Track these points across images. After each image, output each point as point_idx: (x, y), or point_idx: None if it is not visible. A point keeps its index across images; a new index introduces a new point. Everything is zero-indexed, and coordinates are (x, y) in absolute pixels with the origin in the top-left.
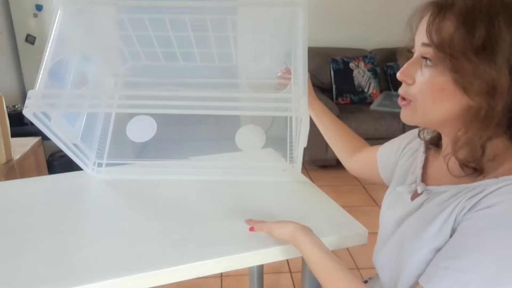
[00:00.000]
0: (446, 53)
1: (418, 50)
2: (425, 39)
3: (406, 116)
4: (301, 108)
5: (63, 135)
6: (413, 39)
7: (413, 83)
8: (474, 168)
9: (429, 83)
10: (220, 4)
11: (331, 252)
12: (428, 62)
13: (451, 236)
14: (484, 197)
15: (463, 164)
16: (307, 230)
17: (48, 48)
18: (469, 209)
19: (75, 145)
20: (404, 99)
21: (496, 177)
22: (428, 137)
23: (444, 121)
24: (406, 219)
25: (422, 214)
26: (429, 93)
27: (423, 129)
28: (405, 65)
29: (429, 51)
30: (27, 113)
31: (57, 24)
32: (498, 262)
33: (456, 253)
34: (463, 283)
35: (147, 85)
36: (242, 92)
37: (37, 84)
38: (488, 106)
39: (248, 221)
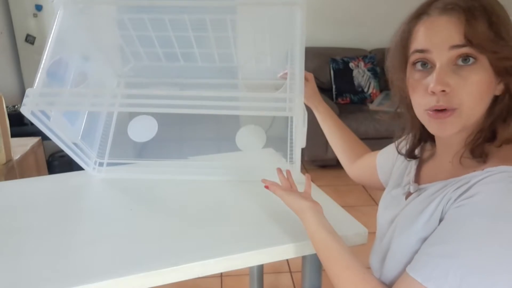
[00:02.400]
0: (488, 48)
1: (445, 54)
2: (457, 41)
3: (450, 127)
4: (296, 107)
5: (63, 134)
6: (420, 44)
7: (452, 90)
8: (480, 155)
9: (477, 82)
10: (220, 3)
11: (337, 234)
12: (464, 61)
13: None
14: (468, 188)
15: (472, 150)
16: (317, 209)
17: (48, 48)
18: (455, 200)
19: (75, 144)
20: (442, 110)
21: (482, 169)
22: (404, 149)
23: (478, 119)
24: (397, 216)
25: (411, 209)
26: (477, 92)
27: (400, 142)
28: (437, 74)
29: (465, 51)
30: (25, 111)
31: (57, 24)
32: (478, 249)
33: (439, 239)
34: (444, 268)
35: (149, 86)
36: (240, 91)
37: (36, 83)
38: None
39: (264, 180)
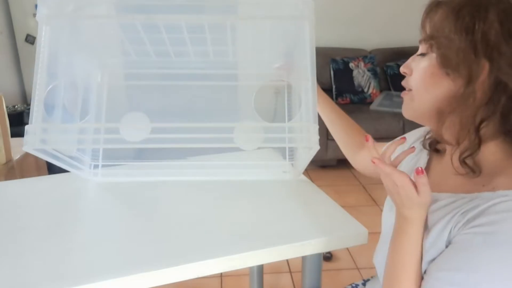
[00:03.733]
0: (434, 39)
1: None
2: (420, 36)
3: (404, 106)
4: (313, 137)
5: (61, 154)
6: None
7: (411, 74)
8: (472, 168)
9: (421, 70)
10: (220, 18)
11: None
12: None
13: (446, 247)
14: (480, 213)
15: (462, 160)
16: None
17: (39, 73)
18: (464, 224)
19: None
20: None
21: (493, 190)
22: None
23: (435, 110)
24: None
25: None
26: (421, 79)
27: (426, 136)
28: (408, 59)
29: (423, 47)
30: (28, 149)
31: (44, 43)
32: (491, 281)
33: (449, 265)
34: None
35: (136, 78)
36: (248, 122)
37: (33, 117)
38: (470, 89)
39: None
